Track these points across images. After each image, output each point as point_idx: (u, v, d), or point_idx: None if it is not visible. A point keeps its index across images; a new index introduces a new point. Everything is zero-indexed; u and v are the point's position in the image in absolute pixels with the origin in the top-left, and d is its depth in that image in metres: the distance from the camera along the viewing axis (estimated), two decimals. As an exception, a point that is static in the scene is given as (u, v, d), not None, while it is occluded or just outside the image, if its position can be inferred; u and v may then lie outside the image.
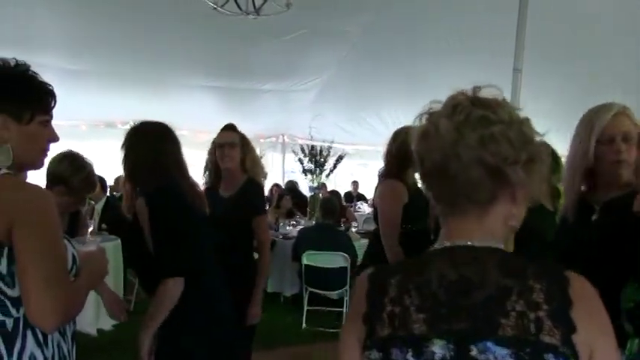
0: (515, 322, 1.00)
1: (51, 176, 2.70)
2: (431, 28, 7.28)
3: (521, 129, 1.08)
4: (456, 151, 1.05)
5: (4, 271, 1.49)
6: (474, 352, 1.00)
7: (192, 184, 2.58)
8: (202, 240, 2.51)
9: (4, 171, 1.54)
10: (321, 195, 9.10)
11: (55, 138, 1.70)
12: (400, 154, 3.31)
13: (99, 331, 5.36)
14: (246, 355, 3.45)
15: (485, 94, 1.11)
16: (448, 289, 1.06)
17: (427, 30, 7.34)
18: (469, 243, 1.10)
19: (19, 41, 6.72)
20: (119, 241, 5.81)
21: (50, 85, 1.68)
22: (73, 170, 2.71)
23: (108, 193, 7.04)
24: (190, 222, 2.42)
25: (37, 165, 1.70)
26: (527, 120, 1.11)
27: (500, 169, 1.05)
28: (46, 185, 2.72)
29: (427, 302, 1.06)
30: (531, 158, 1.07)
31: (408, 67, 8.47)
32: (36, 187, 1.58)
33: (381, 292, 1.10)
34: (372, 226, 7.55)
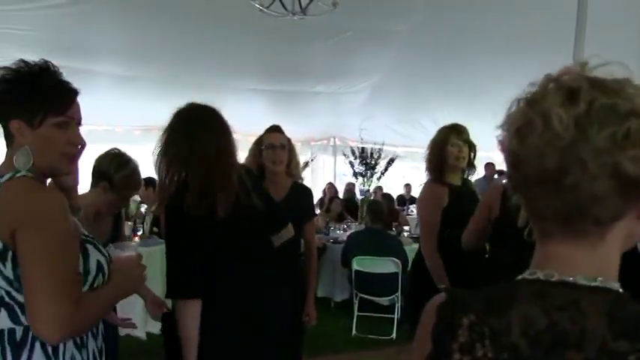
0: None
1: (95, 172, 2.70)
2: (483, 26, 7.07)
3: None
4: (578, 155, 0.77)
5: (12, 276, 1.45)
6: None
7: (232, 182, 2.31)
8: (224, 258, 2.28)
9: (22, 173, 1.50)
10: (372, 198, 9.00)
11: (78, 141, 1.61)
12: (435, 153, 3.30)
13: (148, 334, 5.37)
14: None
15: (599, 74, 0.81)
16: (534, 340, 0.78)
17: (479, 28, 7.14)
18: (571, 279, 0.81)
19: (78, 50, 6.94)
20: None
21: (69, 84, 1.60)
22: (116, 166, 2.69)
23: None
24: (195, 242, 2.19)
25: (59, 170, 1.63)
26: None
27: (638, 181, 0.77)
28: (91, 183, 2.71)
29: (503, 356, 0.80)
30: None
31: (460, 66, 8.30)
32: (45, 191, 1.53)
33: (450, 334, 0.85)
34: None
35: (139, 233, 5.90)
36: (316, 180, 12.94)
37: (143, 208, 7.65)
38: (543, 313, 0.79)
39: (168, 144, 2.30)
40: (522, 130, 0.82)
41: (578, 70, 0.82)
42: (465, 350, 0.83)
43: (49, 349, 1.51)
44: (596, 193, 0.77)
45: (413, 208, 10.83)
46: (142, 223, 6.20)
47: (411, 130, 10.86)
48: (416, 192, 12.76)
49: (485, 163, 9.64)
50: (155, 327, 5.41)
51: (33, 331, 1.46)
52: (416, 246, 6.59)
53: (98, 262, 1.63)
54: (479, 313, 0.84)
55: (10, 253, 1.43)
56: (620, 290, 0.81)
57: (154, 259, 5.48)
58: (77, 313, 1.45)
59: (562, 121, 0.77)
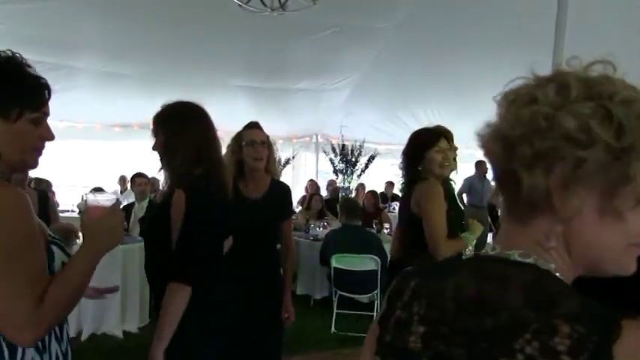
0: None
1: None
2: (466, 24, 7.11)
3: None
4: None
5: None
6: None
7: (221, 172, 2.45)
8: (219, 245, 2.42)
9: None
10: (353, 195, 9.00)
11: (49, 136, 1.59)
12: (418, 157, 3.17)
13: (125, 333, 5.33)
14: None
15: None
16: (461, 305, 0.86)
17: (462, 26, 7.18)
18: (507, 253, 0.87)
19: (58, 46, 6.88)
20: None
21: (44, 79, 1.57)
22: None
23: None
24: (216, 228, 2.32)
25: (29, 165, 1.61)
26: None
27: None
28: None
29: (432, 315, 0.88)
30: None
31: (443, 64, 8.33)
32: (9, 189, 1.47)
33: (399, 294, 0.95)
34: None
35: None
36: (298, 177, 12.91)
37: (125, 203, 7.60)
38: (475, 283, 0.87)
39: (174, 134, 2.33)
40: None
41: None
42: (405, 307, 0.93)
43: (40, 345, 1.49)
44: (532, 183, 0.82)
45: (395, 206, 10.87)
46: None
47: (392, 128, 10.85)
48: (398, 190, 12.87)
49: (476, 161, 9.53)
50: (133, 326, 5.38)
51: (7, 337, 1.41)
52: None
53: (63, 263, 1.60)
54: (423, 277, 0.96)
55: None
56: (555, 273, 0.85)
57: (133, 255, 5.44)
58: (44, 309, 1.41)
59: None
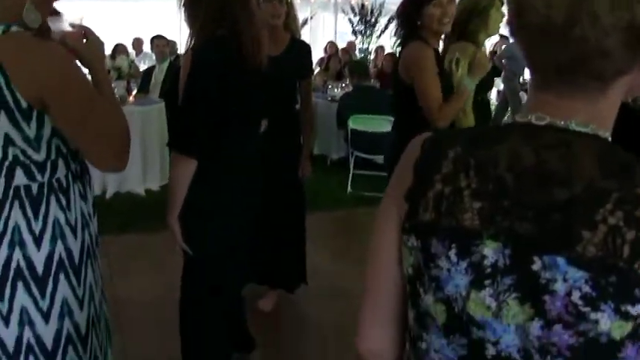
0: (604, 238, 0.71)
1: None
2: None
3: None
4: (591, 9, 0.71)
5: (32, 135, 1.46)
6: (536, 266, 0.74)
7: (256, 35, 2.17)
8: (234, 116, 2.18)
9: (17, 29, 1.43)
10: (372, 58, 8.82)
11: None
12: (410, 11, 2.78)
13: (146, 191, 5.51)
14: (302, 219, 3.50)
15: None
16: (520, 175, 0.77)
17: None
18: (562, 123, 0.78)
19: None
20: (163, 104, 5.78)
21: None
22: None
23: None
24: (226, 96, 2.08)
25: (44, 25, 1.56)
26: None
27: None
28: None
29: (487, 187, 0.79)
30: None
31: None
32: (59, 49, 1.49)
33: (434, 165, 0.83)
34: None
35: (134, 93, 5.84)
36: (315, 38, 12.63)
37: (144, 66, 7.57)
38: (532, 151, 0.78)
39: None
40: None
41: None
42: (447, 180, 0.82)
43: (63, 201, 1.58)
44: (604, 48, 0.72)
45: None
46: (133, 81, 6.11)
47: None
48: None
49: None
50: (154, 184, 5.56)
51: (103, 171, 1.61)
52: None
53: None
54: (465, 146, 0.83)
55: (35, 113, 1.43)
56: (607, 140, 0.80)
57: (151, 118, 5.51)
58: (123, 139, 1.60)
59: None
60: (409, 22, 2.80)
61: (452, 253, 0.80)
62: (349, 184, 5.91)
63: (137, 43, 9.76)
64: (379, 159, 6.02)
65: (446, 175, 0.82)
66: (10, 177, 1.49)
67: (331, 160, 6.89)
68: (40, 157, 1.50)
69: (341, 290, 3.62)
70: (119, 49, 7.68)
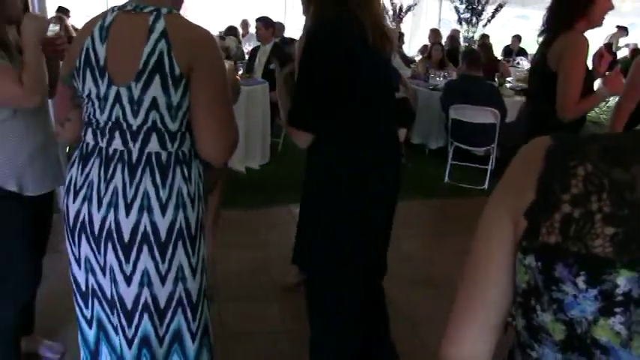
0: None
1: None
2: None
3: None
4: None
5: (175, 102, 1.58)
6: None
7: (378, 23, 2.12)
8: (359, 96, 2.09)
9: (168, 9, 1.61)
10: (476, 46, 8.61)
11: None
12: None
13: (247, 169, 5.70)
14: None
15: None
16: None
17: None
18: None
19: None
20: (267, 84, 5.95)
21: None
22: None
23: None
24: (340, 79, 2.01)
25: None
26: None
27: None
28: None
29: (623, 212, 0.71)
30: None
31: None
32: (206, 30, 1.66)
33: (562, 183, 0.76)
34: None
35: (240, 72, 6.02)
36: (417, 25, 12.49)
37: (249, 47, 7.76)
38: None
39: None
40: None
41: None
42: (577, 202, 0.74)
43: (186, 173, 1.69)
44: None
45: (520, 60, 10.35)
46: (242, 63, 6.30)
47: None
48: (526, 44, 12.17)
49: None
50: (254, 163, 5.74)
51: (203, 155, 1.70)
52: (518, 99, 6.41)
53: None
54: (597, 162, 0.74)
55: (184, 82, 1.57)
56: None
57: (255, 98, 5.68)
58: (235, 139, 1.73)
59: None
60: (570, 13, 2.73)
61: (580, 280, 0.73)
62: (446, 174, 5.85)
63: (244, 25, 10.02)
64: (479, 151, 5.91)
65: (576, 196, 0.75)
66: (145, 142, 1.61)
67: (430, 150, 6.83)
68: (174, 126, 1.62)
69: (432, 278, 3.64)
70: (229, 30, 7.89)
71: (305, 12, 2.18)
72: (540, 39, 2.92)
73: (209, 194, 2.59)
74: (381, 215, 2.29)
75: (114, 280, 1.68)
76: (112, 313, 1.74)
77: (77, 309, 1.82)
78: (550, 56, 2.75)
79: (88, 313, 1.80)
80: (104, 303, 1.74)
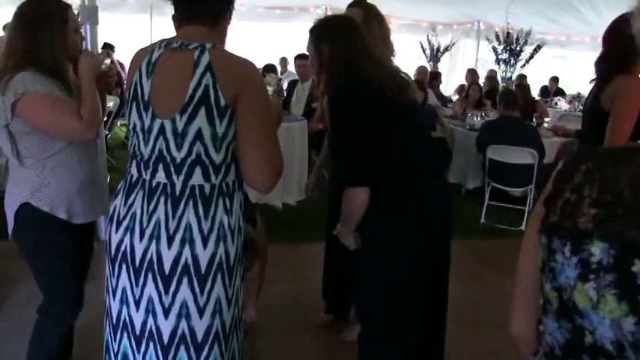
0: None
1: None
2: None
3: None
4: None
5: (220, 133, 1.62)
6: (636, 267, 0.83)
7: (392, 75, 2.34)
8: (398, 140, 2.24)
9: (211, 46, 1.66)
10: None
11: None
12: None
13: (284, 205, 5.74)
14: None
15: None
16: (638, 192, 0.88)
17: None
18: None
19: None
20: (305, 122, 6.02)
21: None
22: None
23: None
24: (375, 126, 2.19)
25: None
26: None
27: None
28: None
29: (606, 198, 0.91)
30: None
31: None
32: (248, 60, 1.71)
33: (567, 177, 1.00)
34: (570, 124, 6.94)
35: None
36: (454, 65, 12.52)
37: (285, 84, 7.86)
38: None
39: (330, 30, 2.36)
40: None
41: None
42: (575, 190, 0.96)
43: (228, 205, 1.71)
44: None
45: (557, 101, 10.27)
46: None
47: (563, 16, 9.98)
48: (563, 85, 12.08)
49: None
50: (291, 199, 5.78)
51: (250, 183, 1.73)
52: (556, 139, 6.36)
53: None
54: (596, 161, 0.97)
55: (229, 112, 1.62)
56: None
57: (293, 135, 5.74)
58: (282, 166, 1.76)
59: None
60: (626, 57, 2.69)
61: (566, 250, 0.93)
62: (483, 214, 5.79)
63: (283, 62, 10.21)
64: (516, 192, 5.85)
65: (575, 185, 0.97)
66: (189, 175, 1.65)
67: (466, 190, 6.78)
68: (218, 157, 1.65)
69: (472, 319, 3.58)
70: (268, 67, 8.03)
71: (316, 76, 2.40)
72: (593, 82, 2.91)
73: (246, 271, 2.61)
74: (441, 263, 2.38)
75: (152, 313, 1.69)
76: (138, 351, 1.75)
77: (105, 341, 1.84)
78: (604, 98, 2.75)
79: (115, 347, 1.80)
80: (132, 338, 1.75)
